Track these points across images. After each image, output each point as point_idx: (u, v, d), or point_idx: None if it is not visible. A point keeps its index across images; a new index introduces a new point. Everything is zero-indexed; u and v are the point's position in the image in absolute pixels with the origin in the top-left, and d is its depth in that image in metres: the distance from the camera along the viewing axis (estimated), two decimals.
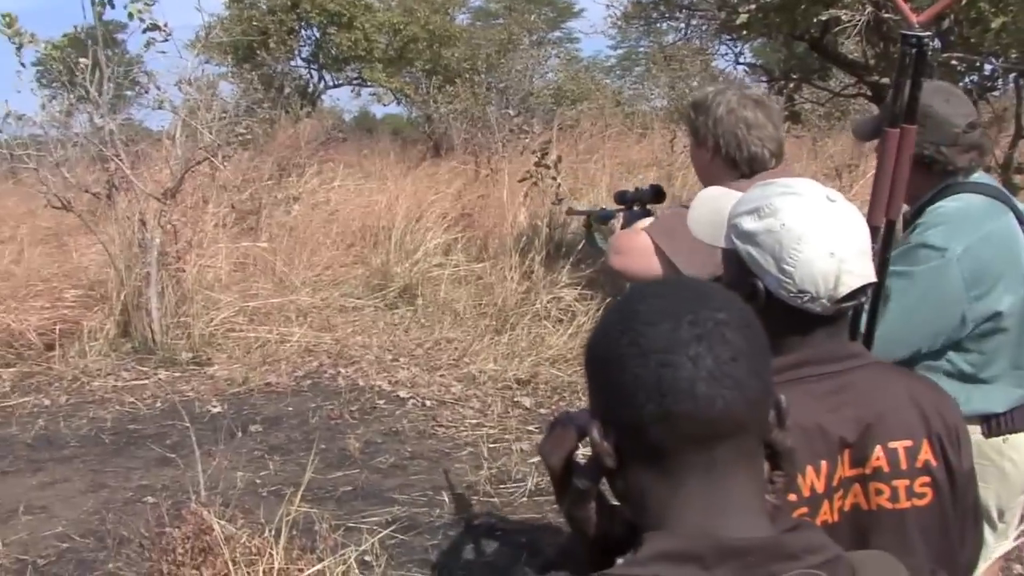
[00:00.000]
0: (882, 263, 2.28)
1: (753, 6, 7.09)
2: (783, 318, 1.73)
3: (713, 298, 1.12)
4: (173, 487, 5.54)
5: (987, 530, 2.45)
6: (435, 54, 23.14)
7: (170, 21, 8.35)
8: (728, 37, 9.60)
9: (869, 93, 8.84)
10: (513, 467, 5.84)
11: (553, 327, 8.19)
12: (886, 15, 6.61)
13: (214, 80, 12.87)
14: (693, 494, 1.08)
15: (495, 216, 11.74)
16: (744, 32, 7.98)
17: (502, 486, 5.54)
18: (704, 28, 10.07)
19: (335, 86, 24.76)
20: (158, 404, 7.14)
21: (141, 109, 14.69)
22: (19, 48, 8.20)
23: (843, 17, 6.49)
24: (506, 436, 6.33)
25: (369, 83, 23.62)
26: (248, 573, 3.99)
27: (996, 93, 9.05)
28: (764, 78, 10.79)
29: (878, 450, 1.72)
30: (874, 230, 2.27)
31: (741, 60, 10.70)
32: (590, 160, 14.80)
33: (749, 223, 1.75)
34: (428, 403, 7.07)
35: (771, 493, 1.14)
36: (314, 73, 24.09)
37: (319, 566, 4.18)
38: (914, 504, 1.73)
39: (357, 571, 4.31)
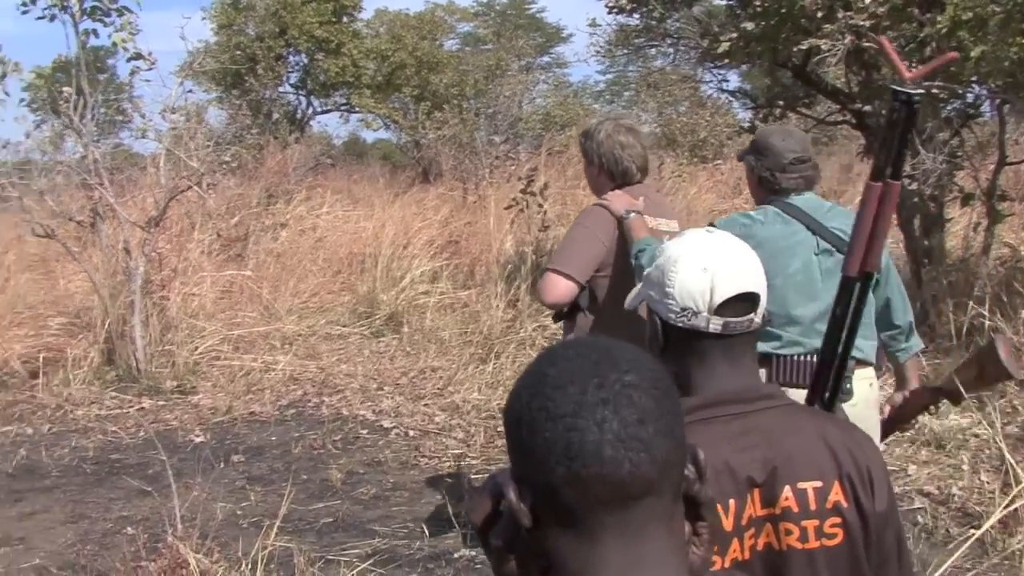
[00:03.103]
0: (856, 313, 2.28)
1: (735, 35, 7.12)
2: (682, 349, 1.84)
3: (622, 360, 1.12)
4: (153, 518, 5.50)
5: None
6: (423, 80, 23.16)
7: (160, 47, 8.45)
8: (712, 65, 9.63)
9: (853, 120, 8.87)
10: None
11: None
12: (866, 44, 6.64)
13: (201, 107, 12.88)
14: (609, 555, 1.08)
15: (482, 243, 11.74)
16: (726, 60, 8.01)
17: None
18: (689, 55, 10.10)
19: (323, 112, 24.76)
20: (141, 433, 7.10)
21: (131, 135, 14.69)
22: (2, 77, 8.20)
23: (823, 46, 6.51)
24: (489, 467, 6.30)
25: (357, 109, 23.62)
26: None
27: (985, 118, 9.09)
28: (750, 105, 10.82)
29: (787, 491, 1.75)
30: (848, 280, 2.27)
31: (725, 87, 10.71)
32: (578, 186, 14.81)
33: (650, 270, 1.92)
34: (411, 433, 7.04)
35: (698, 545, 1.14)
36: (302, 99, 24.11)
37: None
38: (824, 544, 1.75)
39: None
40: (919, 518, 5.14)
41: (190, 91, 9.55)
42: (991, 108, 8.72)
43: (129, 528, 5.42)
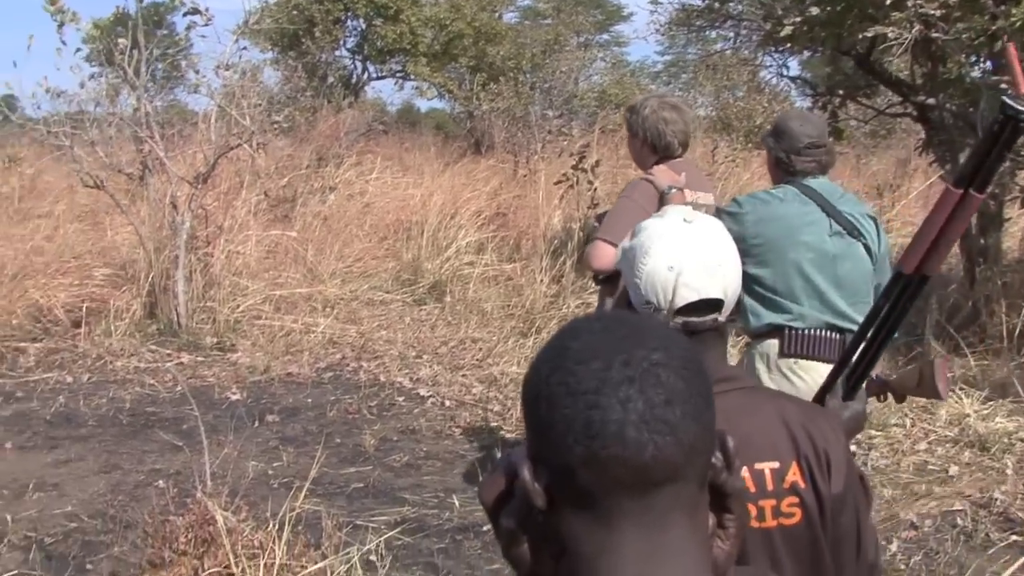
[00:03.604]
0: (901, 312, 2.20)
1: (799, 19, 6.97)
2: None
3: (651, 336, 1.04)
4: (184, 473, 5.50)
5: None
6: (480, 51, 23.01)
7: (217, 5, 8.38)
8: (773, 49, 9.47)
9: (914, 113, 8.68)
10: None
11: None
12: (935, 34, 6.47)
13: (256, 66, 12.87)
14: (627, 543, 1.00)
15: (529, 217, 11.67)
16: (789, 45, 7.86)
17: None
18: (751, 39, 9.94)
19: (378, 78, 24.69)
20: (178, 388, 7.11)
21: (185, 90, 14.76)
22: (60, 26, 8.22)
23: (890, 34, 6.35)
24: (524, 440, 6.23)
25: (412, 77, 23.54)
26: (249, 567, 3.93)
27: None
28: (809, 92, 10.64)
29: (744, 471, 1.75)
30: (900, 276, 2.15)
31: (785, 72, 10.54)
32: (630, 166, 14.67)
33: (627, 242, 1.95)
34: (448, 403, 7.00)
35: (723, 539, 1.07)
36: (358, 64, 24.07)
37: (321, 564, 4.12)
38: (781, 523, 1.78)
39: (360, 571, 4.23)
40: (959, 520, 5.04)
41: (245, 48, 9.52)
42: None
43: (160, 481, 5.43)
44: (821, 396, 2.27)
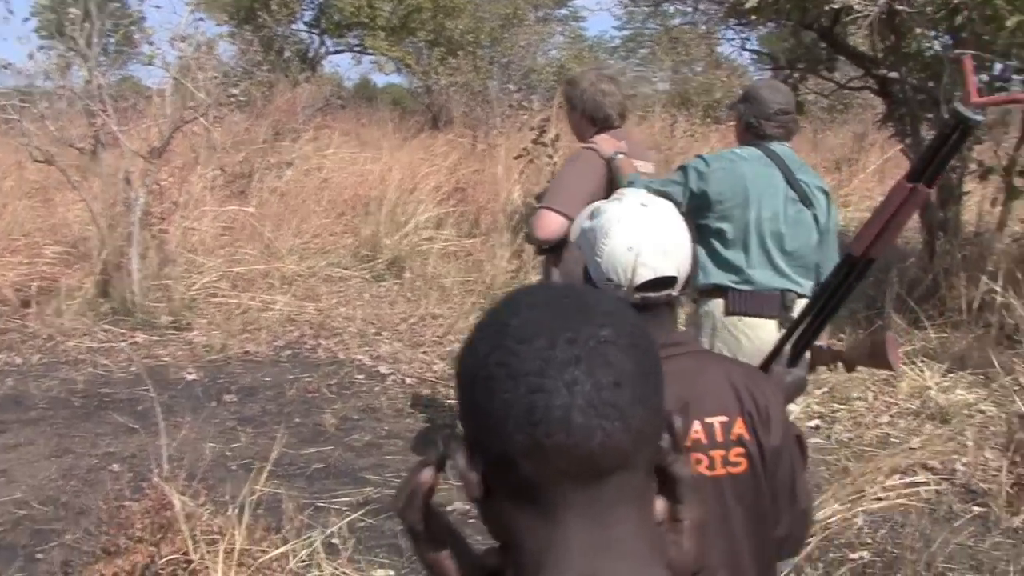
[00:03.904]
0: (848, 290, 2.37)
1: None
2: None
3: (597, 312, 0.97)
4: (140, 456, 5.37)
5: None
6: (439, 25, 22.81)
7: None
8: (736, 22, 9.41)
9: (875, 86, 8.66)
10: None
11: None
12: (900, 7, 6.43)
13: (212, 40, 12.66)
14: (572, 538, 0.93)
15: (489, 192, 11.58)
16: (753, 17, 7.80)
17: None
18: (711, 12, 9.89)
19: (336, 52, 24.48)
20: (132, 368, 6.96)
21: (142, 63, 14.51)
22: None
23: (856, 6, 6.30)
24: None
25: (370, 51, 23.33)
26: (208, 553, 3.83)
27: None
28: (769, 66, 10.61)
29: (696, 424, 1.96)
30: (849, 257, 2.33)
31: (747, 47, 10.50)
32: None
33: (586, 223, 2.07)
34: (408, 380, 6.92)
35: (679, 534, 1.00)
36: (315, 38, 23.83)
37: (283, 548, 4.03)
38: (729, 472, 1.96)
39: (323, 555, 4.15)
40: (922, 493, 5.04)
41: (201, 19, 9.33)
42: (1015, 82, 8.51)
43: (115, 465, 5.31)
44: (768, 363, 2.44)
